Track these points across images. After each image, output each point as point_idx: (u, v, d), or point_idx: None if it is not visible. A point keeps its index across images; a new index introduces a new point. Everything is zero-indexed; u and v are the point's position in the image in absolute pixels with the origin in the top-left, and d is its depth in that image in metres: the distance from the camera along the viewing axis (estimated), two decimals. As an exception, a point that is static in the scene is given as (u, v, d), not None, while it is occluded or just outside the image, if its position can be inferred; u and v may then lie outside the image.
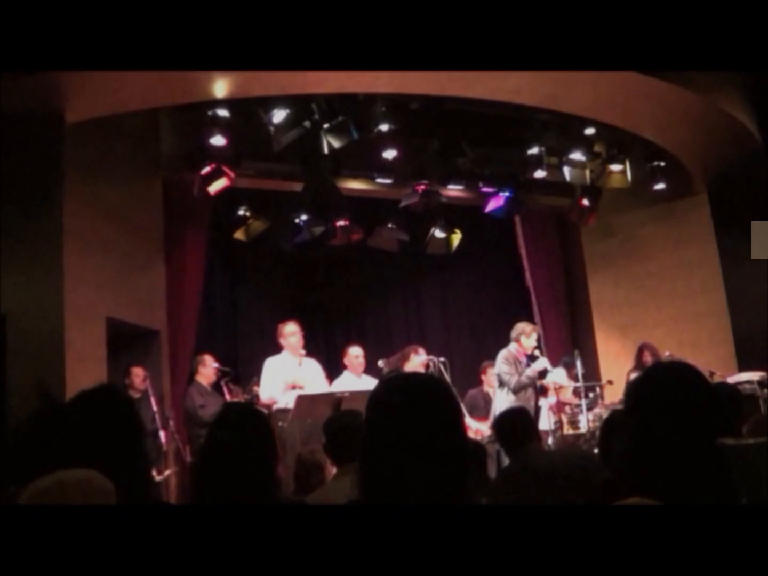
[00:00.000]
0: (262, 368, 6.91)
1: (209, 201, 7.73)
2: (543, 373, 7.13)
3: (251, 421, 2.10)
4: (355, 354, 7.01)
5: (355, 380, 6.78)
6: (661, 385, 1.71)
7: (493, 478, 4.29)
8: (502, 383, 6.76)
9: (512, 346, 6.83)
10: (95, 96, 6.00)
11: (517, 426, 3.79)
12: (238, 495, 1.93)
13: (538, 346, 7.14)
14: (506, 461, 6.47)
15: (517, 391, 6.61)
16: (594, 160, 8.47)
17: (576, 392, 7.48)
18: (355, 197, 8.58)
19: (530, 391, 6.68)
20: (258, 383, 7.00)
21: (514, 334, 6.92)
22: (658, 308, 9.25)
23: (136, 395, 6.69)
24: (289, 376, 6.55)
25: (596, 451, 6.75)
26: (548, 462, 3.47)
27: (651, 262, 9.38)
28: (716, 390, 1.78)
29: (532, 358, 6.90)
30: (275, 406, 6.57)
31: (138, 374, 6.74)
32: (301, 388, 6.40)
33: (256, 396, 7.00)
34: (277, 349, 7.01)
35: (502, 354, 6.80)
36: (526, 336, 6.83)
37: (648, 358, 8.12)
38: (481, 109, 7.72)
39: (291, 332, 6.79)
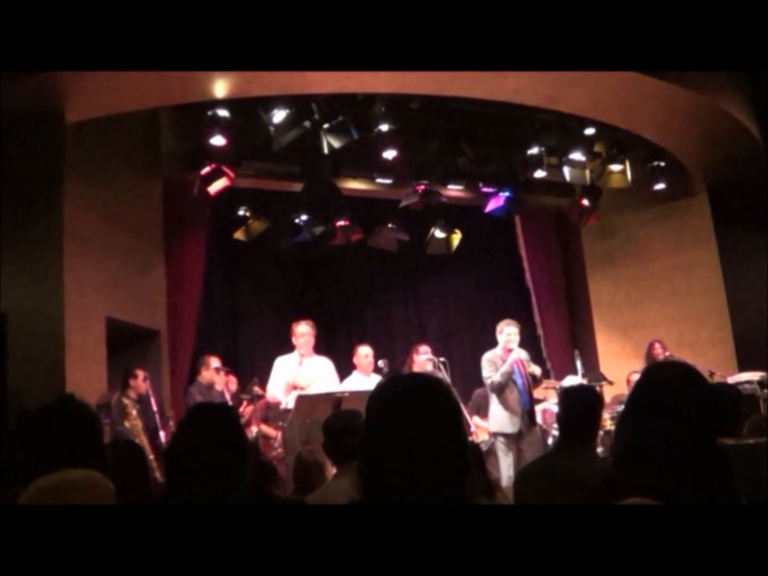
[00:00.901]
0: (260, 368, 6.92)
1: (209, 201, 7.74)
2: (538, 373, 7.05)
3: (218, 421, 2.09)
4: (364, 353, 6.98)
5: (364, 380, 6.76)
6: (661, 385, 1.71)
7: (531, 462, 3.91)
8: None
9: (498, 348, 6.82)
10: (95, 96, 6.00)
11: (589, 413, 3.20)
12: (204, 493, 1.93)
13: (536, 341, 7.05)
14: (504, 460, 6.51)
15: (495, 391, 6.59)
16: (594, 160, 8.47)
17: None
18: (355, 197, 8.59)
19: (516, 392, 6.60)
20: (257, 383, 7.01)
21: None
22: (658, 308, 9.25)
23: (135, 396, 6.69)
24: (290, 377, 6.54)
25: (597, 450, 6.79)
26: (598, 472, 3.14)
27: (651, 262, 9.38)
28: (715, 390, 1.79)
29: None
30: (281, 407, 6.56)
31: (139, 375, 6.75)
32: (301, 388, 6.37)
33: (256, 395, 7.01)
34: (277, 348, 7.01)
35: (484, 356, 6.81)
36: (499, 333, 6.81)
37: (659, 351, 8.09)
38: (481, 109, 7.72)
39: (300, 333, 6.70)
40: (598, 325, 9.75)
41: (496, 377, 6.59)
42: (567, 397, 3.40)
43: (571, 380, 7.69)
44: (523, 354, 6.81)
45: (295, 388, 6.41)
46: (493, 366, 6.67)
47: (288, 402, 6.36)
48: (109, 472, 2.15)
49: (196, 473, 1.95)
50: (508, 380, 6.59)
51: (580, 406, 3.21)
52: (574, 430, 3.15)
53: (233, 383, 7.48)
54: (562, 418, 3.27)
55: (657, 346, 8.20)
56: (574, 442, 3.13)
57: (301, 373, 6.53)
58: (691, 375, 1.72)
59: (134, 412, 6.36)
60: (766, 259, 8.20)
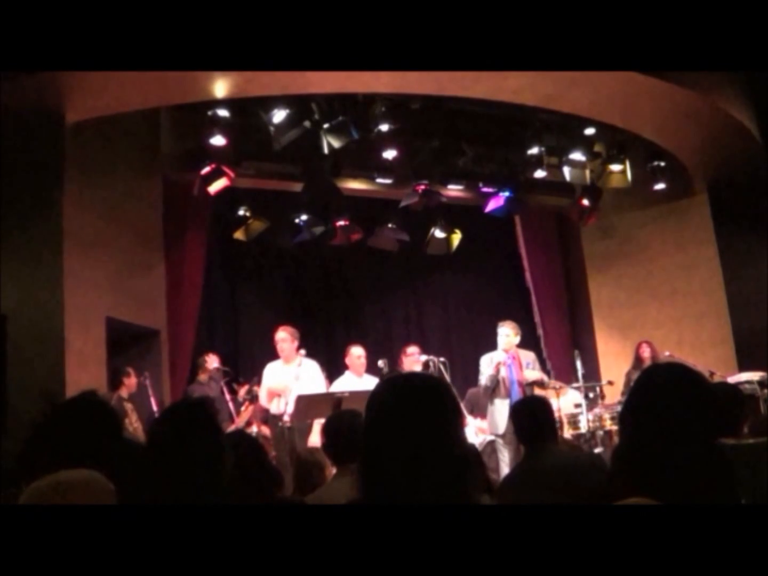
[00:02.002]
0: (260, 368, 6.96)
1: (209, 201, 7.74)
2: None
3: (194, 419, 2.08)
4: (356, 354, 6.99)
5: (356, 380, 6.78)
6: (659, 386, 1.71)
7: (505, 476, 4.15)
8: None
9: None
10: (95, 96, 6.00)
11: (535, 419, 3.47)
12: (175, 491, 1.92)
13: (536, 341, 7.03)
14: (503, 460, 6.51)
15: (485, 394, 6.62)
16: (594, 160, 8.48)
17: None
18: (355, 197, 8.59)
19: (504, 394, 6.59)
20: (258, 384, 7.03)
21: None
22: (658, 308, 9.25)
23: (126, 396, 6.68)
24: (272, 384, 6.60)
25: (597, 450, 6.80)
26: (565, 465, 3.31)
27: (651, 262, 9.38)
28: (713, 390, 1.78)
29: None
30: (270, 412, 6.65)
31: (131, 373, 6.76)
32: (277, 394, 6.44)
33: (257, 396, 7.03)
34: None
35: (481, 359, 6.82)
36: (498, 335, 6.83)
37: (646, 354, 8.17)
38: (481, 109, 7.72)
39: (279, 339, 6.78)
40: (598, 325, 9.75)
41: (482, 380, 6.63)
42: (515, 412, 3.75)
43: (570, 395, 7.68)
44: (501, 357, 6.73)
45: (275, 394, 6.49)
46: (486, 368, 6.69)
47: (272, 407, 6.49)
48: (126, 469, 2.16)
49: (169, 471, 1.94)
50: (496, 382, 6.58)
51: (528, 414, 3.54)
52: (532, 435, 3.46)
53: (215, 362, 7.43)
54: (518, 431, 3.65)
55: (644, 346, 8.28)
56: (537, 444, 3.41)
57: (279, 378, 6.60)
58: (689, 376, 1.72)
59: (135, 416, 6.36)
60: (766, 259, 8.20)
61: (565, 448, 5.78)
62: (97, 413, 2.30)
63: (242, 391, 7.31)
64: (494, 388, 6.59)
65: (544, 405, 3.68)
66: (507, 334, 6.74)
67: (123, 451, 2.26)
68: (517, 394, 6.58)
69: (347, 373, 6.98)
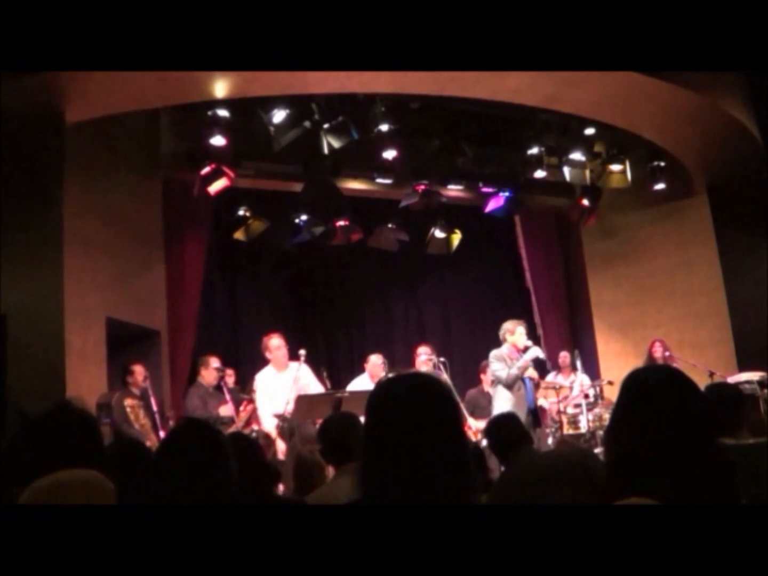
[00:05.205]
0: (260, 368, 6.96)
1: (209, 201, 7.74)
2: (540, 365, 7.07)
3: (202, 440, 2.06)
4: (373, 363, 7.19)
5: (371, 384, 6.81)
6: (652, 387, 1.71)
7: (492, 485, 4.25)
8: (497, 382, 6.74)
9: (504, 347, 6.81)
10: (95, 96, 6.00)
11: (505, 432, 3.75)
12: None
13: (536, 341, 7.10)
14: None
15: (510, 385, 6.60)
16: (594, 160, 8.48)
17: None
18: (355, 197, 8.59)
19: (523, 390, 6.60)
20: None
21: (501, 335, 6.90)
22: (658, 308, 9.26)
23: (137, 391, 6.67)
24: (270, 392, 6.65)
25: (597, 450, 6.79)
26: (543, 463, 3.39)
27: (651, 262, 9.38)
28: (706, 390, 1.78)
29: (526, 352, 6.86)
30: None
31: (139, 371, 6.73)
32: (285, 417, 6.47)
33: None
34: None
35: (493, 353, 6.79)
36: (510, 333, 6.79)
37: (658, 354, 8.15)
38: (481, 109, 7.72)
39: (276, 346, 6.79)
40: (598, 325, 9.75)
41: (513, 370, 6.56)
42: (490, 430, 3.95)
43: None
44: (539, 353, 6.75)
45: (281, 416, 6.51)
46: (503, 362, 6.65)
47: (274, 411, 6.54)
48: (110, 474, 2.15)
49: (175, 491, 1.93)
50: (521, 376, 6.61)
51: (499, 430, 3.81)
52: (509, 446, 3.66)
53: (230, 376, 7.44)
54: (495, 446, 3.83)
55: (657, 345, 8.25)
56: (515, 451, 3.60)
57: (275, 387, 6.62)
58: (678, 376, 1.73)
59: (141, 412, 6.35)
60: (766, 259, 8.20)
61: (566, 447, 5.83)
62: (71, 423, 2.28)
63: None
64: (517, 381, 6.60)
65: (511, 419, 3.97)
66: (522, 332, 6.81)
67: (100, 457, 2.25)
68: (531, 389, 6.61)
69: (364, 375, 7.08)
